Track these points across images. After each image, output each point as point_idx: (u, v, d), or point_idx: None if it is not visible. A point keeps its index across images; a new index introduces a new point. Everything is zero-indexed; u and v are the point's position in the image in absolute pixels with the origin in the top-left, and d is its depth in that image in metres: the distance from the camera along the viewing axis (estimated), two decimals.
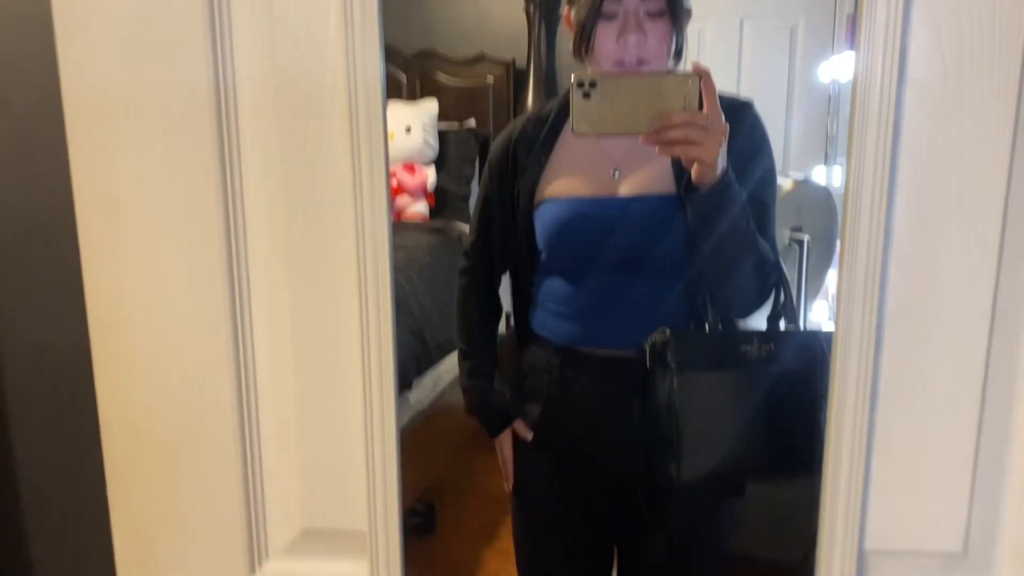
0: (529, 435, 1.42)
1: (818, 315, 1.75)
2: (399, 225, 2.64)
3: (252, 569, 0.72)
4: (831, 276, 1.72)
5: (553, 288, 1.34)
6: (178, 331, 0.67)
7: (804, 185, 1.76)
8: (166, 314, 0.67)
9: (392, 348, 0.64)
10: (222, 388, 0.67)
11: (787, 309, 1.32)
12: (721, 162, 1.05)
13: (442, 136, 2.78)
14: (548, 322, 1.34)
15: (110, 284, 0.67)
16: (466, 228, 2.64)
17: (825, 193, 1.75)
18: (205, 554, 0.71)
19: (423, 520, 2.65)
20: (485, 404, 1.49)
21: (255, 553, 0.72)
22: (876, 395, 0.64)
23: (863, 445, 0.64)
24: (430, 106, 2.80)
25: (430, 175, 2.74)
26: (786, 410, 1.26)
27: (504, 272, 1.43)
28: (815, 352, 1.25)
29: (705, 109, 0.95)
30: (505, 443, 1.47)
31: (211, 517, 0.70)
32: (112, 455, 0.71)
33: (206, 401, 0.68)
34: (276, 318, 0.67)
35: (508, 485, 1.49)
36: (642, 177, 1.24)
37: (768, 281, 1.29)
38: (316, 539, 0.71)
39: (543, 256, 1.30)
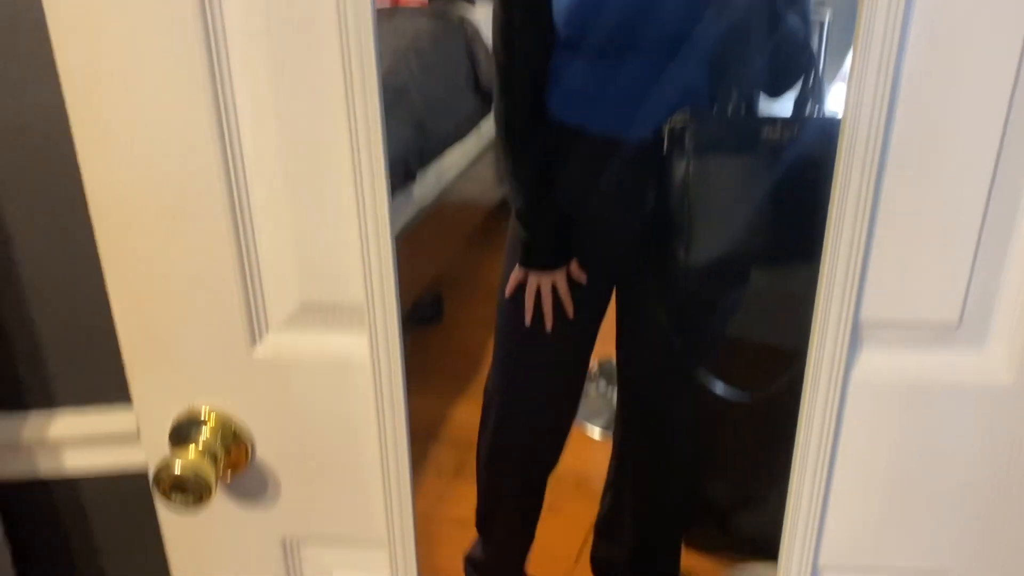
0: (584, 277, 1.39)
1: (837, 100, 1.69)
2: (396, 10, 2.51)
3: (253, 342, 0.73)
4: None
5: (569, 68, 1.28)
6: (157, 101, 0.64)
7: None
8: (143, 83, 0.64)
9: (379, 114, 0.61)
10: (208, 159, 0.65)
11: (815, 92, 1.27)
12: None
13: None
14: (563, 104, 1.30)
15: (83, 53, 0.63)
16: (467, 11, 2.52)
17: None
18: (206, 328, 0.72)
19: (430, 311, 2.72)
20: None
21: (255, 327, 0.72)
22: (885, 159, 0.62)
23: (867, 210, 0.63)
24: None
25: None
26: (800, 197, 1.24)
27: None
28: (835, 138, 1.22)
29: None
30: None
31: (208, 291, 0.71)
32: (104, 234, 0.70)
33: (193, 174, 0.66)
34: (258, 87, 0.64)
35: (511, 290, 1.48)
36: None
37: (796, 60, 1.24)
38: (315, 313, 0.72)
39: (561, 34, 1.24)
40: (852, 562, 0.77)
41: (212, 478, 0.71)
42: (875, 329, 0.68)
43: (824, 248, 0.65)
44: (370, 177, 0.65)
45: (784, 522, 0.76)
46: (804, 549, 0.76)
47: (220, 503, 0.79)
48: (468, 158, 2.54)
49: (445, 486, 2.11)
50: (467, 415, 2.36)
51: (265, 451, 0.77)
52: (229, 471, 0.78)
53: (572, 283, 1.42)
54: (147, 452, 0.78)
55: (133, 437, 0.90)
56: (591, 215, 1.36)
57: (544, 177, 1.34)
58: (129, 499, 0.93)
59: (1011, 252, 0.65)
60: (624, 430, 1.70)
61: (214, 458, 0.74)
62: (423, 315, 2.73)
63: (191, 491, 0.71)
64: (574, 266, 1.38)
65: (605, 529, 1.76)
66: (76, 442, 0.91)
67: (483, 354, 2.57)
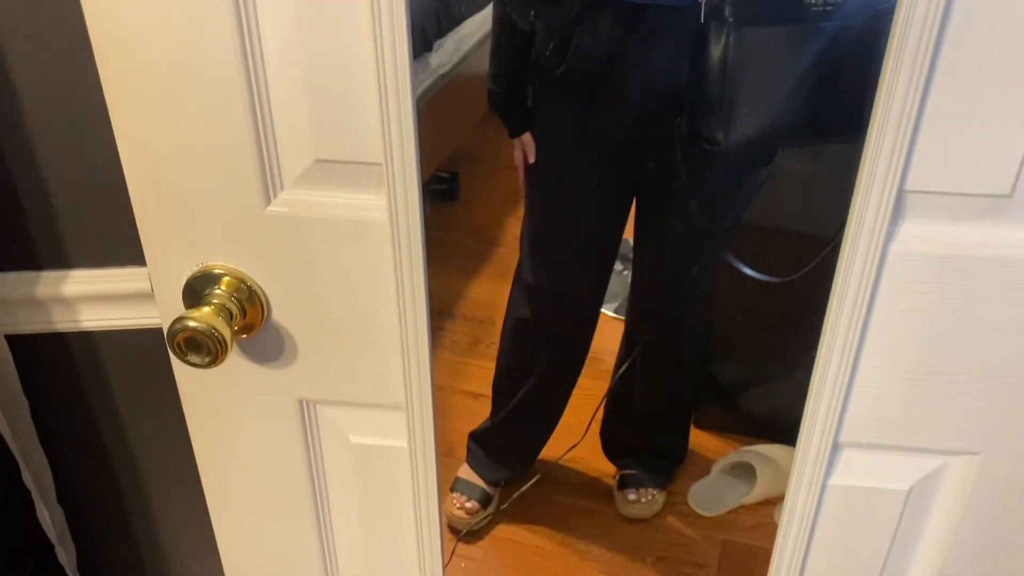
0: (532, 157, 1.38)
1: None
2: None
3: (267, 200, 0.70)
4: None
5: None
6: None
7: None
8: None
9: None
10: (217, 2, 0.61)
11: None
12: None
13: None
14: None
15: None
16: None
17: None
18: (219, 184, 0.70)
19: (447, 187, 2.68)
20: (507, 102, 1.41)
21: (269, 183, 0.70)
22: (947, 18, 0.57)
23: (923, 75, 0.58)
24: None
25: None
26: (843, 71, 1.18)
27: None
28: (879, 7, 1.15)
29: None
30: (528, 140, 1.41)
31: (221, 146, 0.67)
32: (111, 86, 0.66)
33: (202, 19, 0.62)
34: None
35: (520, 157, 1.44)
36: None
37: None
38: (331, 171, 0.69)
39: None
40: (875, 441, 0.76)
41: (227, 335, 0.70)
42: (920, 200, 0.64)
43: (873, 113, 0.61)
44: (390, 28, 0.61)
45: (808, 396, 0.75)
46: (826, 424, 0.75)
47: (236, 363, 0.78)
48: (488, 30, 2.44)
49: (459, 361, 2.13)
50: (482, 293, 2.36)
51: (280, 312, 0.76)
52: (244, 333, 0.77)
53: (600, 160, 1.38)
54: (161, 310, 0.76)
55: (148, 296, 0.90)
56: (619, 88, 1.30)
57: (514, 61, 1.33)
58: (146, 355, 0.93)
59: None
60: (637, 309, 1.68)
61: (229, 316, 0.72)
62: (439, 192, 2.69)
63: (206, 349, 0.70)
64: (527, 140, 1.38)
65: (615, 405, 1.77)
66: (91, 299, 0.90)
67: (499, 232, 2.55)
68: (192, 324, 0.69)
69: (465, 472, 1.75)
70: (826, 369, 0.72)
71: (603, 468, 1.83)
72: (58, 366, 0.94)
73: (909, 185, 0.63)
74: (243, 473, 0.86)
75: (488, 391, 1.74)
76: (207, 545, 1.08)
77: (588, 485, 1.80)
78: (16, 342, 0.91)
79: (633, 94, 1.30)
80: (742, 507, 1.79)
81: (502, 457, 1.74)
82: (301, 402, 0.81)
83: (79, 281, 0.89)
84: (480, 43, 2.40)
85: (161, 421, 0.97)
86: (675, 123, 1.30)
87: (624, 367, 1.69)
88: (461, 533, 1.69)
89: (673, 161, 1.34)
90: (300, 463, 0.84)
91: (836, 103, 1.19)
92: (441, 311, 2.25)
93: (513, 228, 2.49)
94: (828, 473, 0.78)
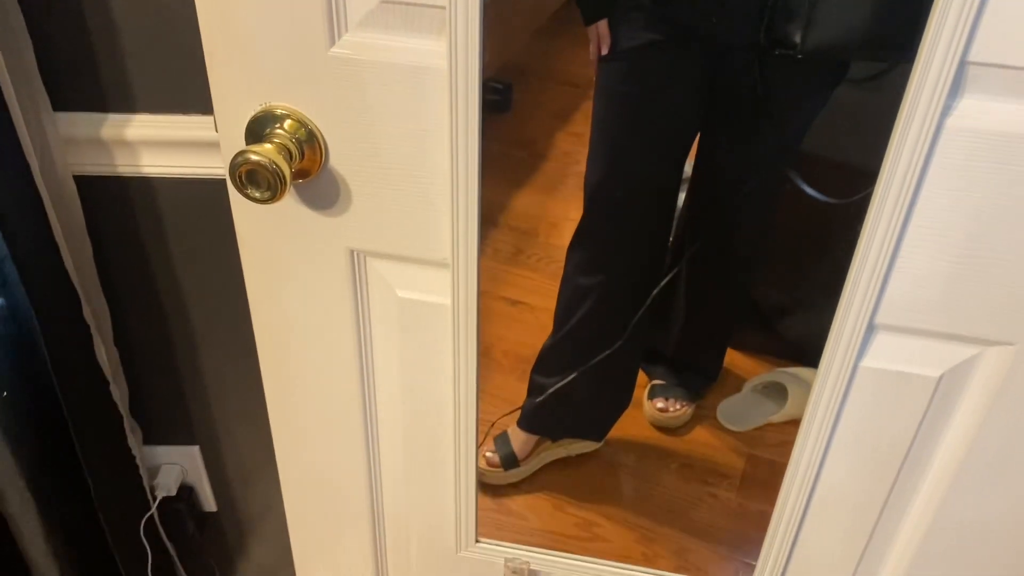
0: (606, 48, 1.35)
1: None
2: None
3: (331, 41, 0.72)
4: None
5: None
6: None
7: None
8: None
9: None
10: None
11: None
12: None
13: None
14: None
15: None
16: None
17: None
18: (286, 23, 0.71)
19: (499, 98, 2.67)
20: None
21: (334, 24, 0.71)
22: None
23: None
24: None
25: None
26: None
27: None
28: None
29: None
30: (604, 31, 1.39)
31: None
32: None
33: None
34: None
35: (595, 51, 1.43)
36: None
37: None
38: (395, 13, 0.70)
39: None
40: (911, 324, 0.77)
41: (287, 171, 0.72)
42: (982, 73, 0.64)
43: None
44: None
45: (848, 273, 0.75)
46: (864, 304, 0.76)
47: (292, 208, 0.81)
48: None
49: (500, 269, 2.15)
50: (528, 204, 2.37)
51: (338, 158, 0.78)
52: (301, 177, 0.79)
53: (672, 67, 1.37)
54: (223, 147, 0.79)
55: (208, 145, 0.92)
56: None
57: None
58: (203, 204, 0.96)
59: None
60: (693, 216, 1.68)
61: (288, 155, 0.75)
62: (491, 103, 2.68)
63: (266, 183, 0.72)
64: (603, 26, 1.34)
65: (655, 313, 1.79)
66: (153, 144, 0.93)
67: (548, 146, 2.55)
68: (254, 157, 0.71)
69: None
70: (869, 245, 0.73)
71: (642, 378, 1.85)
72: (120, 209, 0.97)
73: (973, 56, 0.63)
74: (292, 320, 0.89)
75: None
76: (251, 400, 1.13)
77: None
78: (82, 183, 0.95)
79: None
80: (769, 425, 1.81)
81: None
82: (352, 252, 0.84)
83: (142, 125, 0.92)
84: None
85: (212, 270, 1.01)
86: (753, 27, 1.29)
87: (670, 276, 1.70)
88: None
89: (748, 67, 1.33)
90: (348, 312, 0.87)
91: (911, 20, 1.17)
92: (485, 220, 2.25)
93: (563, 143, 2.49)
94: (860, 354, 0.80)
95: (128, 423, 1.07)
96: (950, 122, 0.66)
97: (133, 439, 1.08)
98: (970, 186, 0.69)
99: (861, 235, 0.73)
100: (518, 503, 1.62)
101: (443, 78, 0.71)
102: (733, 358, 1.94)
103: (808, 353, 1.93)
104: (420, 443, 0.97)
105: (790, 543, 0.94)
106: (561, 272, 2.02)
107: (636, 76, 1.43)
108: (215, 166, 0.94)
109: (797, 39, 1.20)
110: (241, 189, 0.73)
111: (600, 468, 1.69)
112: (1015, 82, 0.64)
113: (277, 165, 0.72)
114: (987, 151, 0.67)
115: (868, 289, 0.75)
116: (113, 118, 0.92)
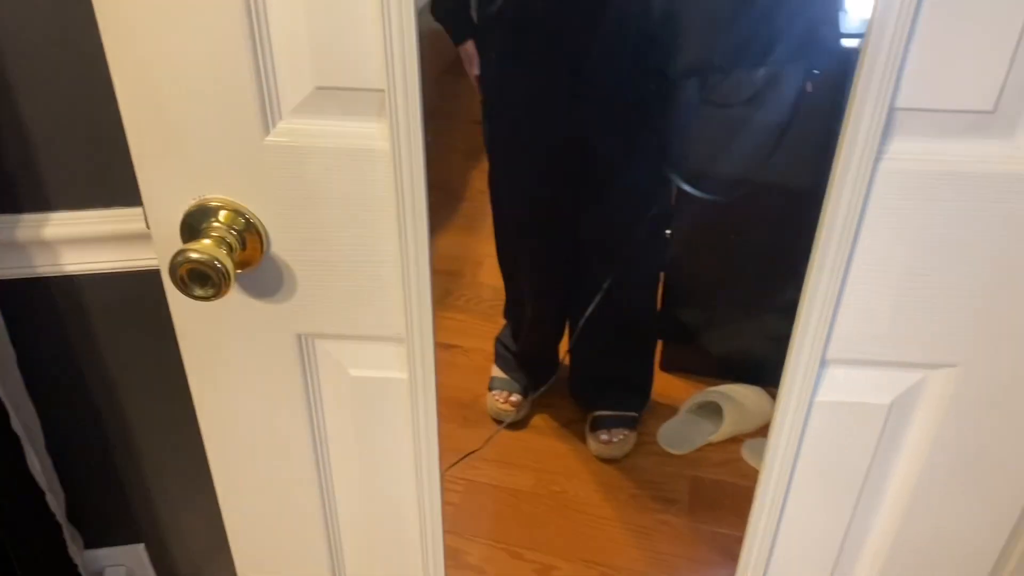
0: (476, 69, 1.42)
1: None
2: None
3: (266, 130, 0.70)
4: None
5: None
6: None
7: None
8: None
9: None
10: None
11: None
12: None
13: None
14: None
15: None
16: None
17: None
18: (217, 115, 0.69)
19: None
20: (448, 9, 1.46)
21: (268, 113, 0.69)
22: None
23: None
24: None
25: None
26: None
27: None
28: None
29: None
30: (471, 51, 1.46)
31: (220, 75, 0.67)
32: (104, 7, 0.65)
33: None
34: None
35: (469, 70, 1.49)
36: None
37: None
38: (331, 98, 0.69)
39: None
40: (860, 357, 0.79)
41: (230, 265, 0.70)
42: (909, 117, 0.67)
43: (867, 32, 0.63)
44: None
45: (797, 314, 0.77)
46: (815, 341, 0.78)
47: (234, 299, 0.78)
48: None
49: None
50: (449, 246, 2.36)
51: (279, 245, 0.76)
52: (242, 267, 0.76)
53: (542, 75, 1.42)
54: (157, 246, 0.76)
55: (134, 237, 0.89)
56: (557, 18, 1.34)
57: None
58: (131, 298, 0.92)
59: None
60: (586, 239, 1.72)
61: (229, 247, 0.72)
62: None
63: (210, 280, 0.69)
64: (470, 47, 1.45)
65: (579, 341, 1.82)
66: (73, 242, 0.89)
67: (463, 184, 2.55)
68: (194, 256, 0.69)
69: (498, 372, 1.85)
70: (816, 286, 0.75)
71: (576, 415, 1.86)
72: (42, 312, 0.92)
73: (900, 103, 0.66)
74: (240, 411, 0.86)
75: (462, 342, 1.77)
76: (194, 490, 1.08)
77: (562, 429, 1.84)
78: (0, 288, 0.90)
79: (583, 31, 1.33)
80: (709, 445, 1.84)
81: (526, 359, 1.82)
82: (300, 336, 0.81)
83: (61, 224, 0.88)
84: None
85: (146, 364, 0.97)
86: (624, 60, 1.34)
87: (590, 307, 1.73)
88: (504, 424, 1.81)
89: (612, 88, 1.39)
90: (298, 398, 0.85)
91: (770, 31, 1.27)
92: None
93: (478, 182, 2.49)
94: (815, 391, 0.81)
95: (67, 531, 1.01)
96: (883, 165, 0.68)
97: (74, 547, 1.02)
98: (905, 222, 0.71)
99: (807, 277, 0.75)
100: (474, 556, 1.60)
101: (384, 158, 0.70)
102: (666, 381, 1.97)
103: (735, 369, 1.97)
104: (382, 515, 0.94)
105: None
106: (491, 311, 2.03)
107: (506, 88, 1.48)
108: (142, 258, 0.90)
109: (662, 60, 1.27)
110: (184, 289, 0.70)
111: (551, 509, 1.68)
112: (939, 123, 0.67)
113: (220, 261, 0.69)
114: (919, 188, 0.69)
115: (819, 326, 0.77)
116: (28, 218, 0.87)
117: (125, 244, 0.89)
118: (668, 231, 1.90)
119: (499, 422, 1.82)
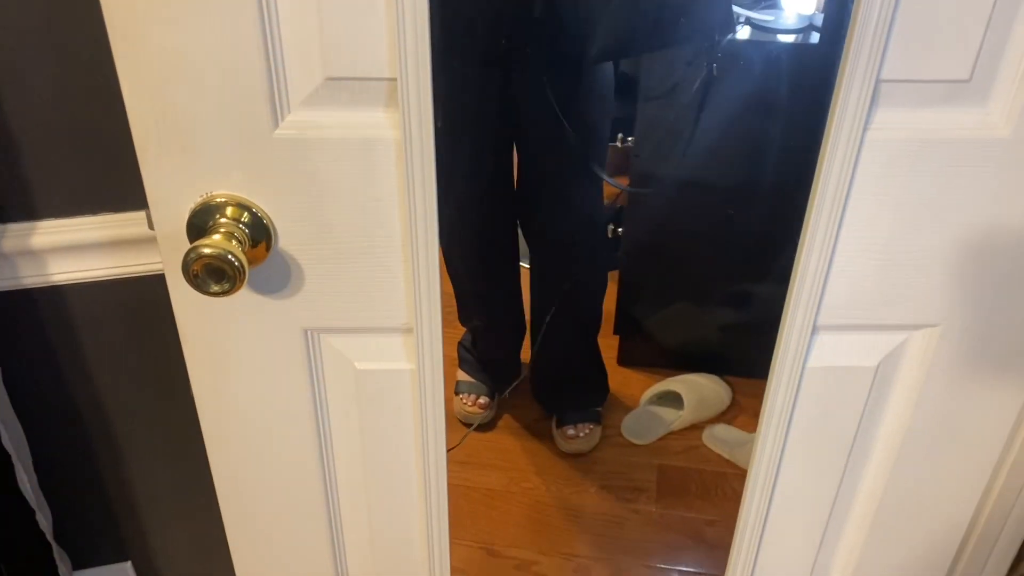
0: None
1: None
2: None
3: (275, 123, 0.70)
4: None
5: None
6: None
7: None
8: None
9: None
10: None
11: None
12: None
13: None
14: None
15: None
16: None
17: None
18: (225, 109, 0.69)
19: None
20: None
21: (277, 105, 0.69)
22: None
23: None
24: None
25: None
26: None
27: None
28: None
29: None
30: None
31: (229, 68, 0.67)
32: (112, 8, 0.65)
33: None
34: None
35: None
36: None
37: None
38: (341, 89, 0.69)
39: None
40: (849, 321, 0.83)
41: (244, 259, 0.70)
42: (893, 89, 0.71)
43: (854, 9, 0.67)
44: None
45: (790, 285, 0.81)
46: (808, 310, 0.82)
47: (240, 296, 0.78)
48: None
49: None
50: None
51: (287, 239, 0.76)
52: (249, 263, 0.76)
53: (473, 76, 1.45)
54: (162, 245, 0.75)
55: (126, 243, 0.87)
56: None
57: None
58: (120, 307, 0.91)
59: (1020, 13, 0.68)
60: (526, 233, 1.74)
61: (240, 243, 0.72)
62: None
63: (226, 274, 0.69)
64: None
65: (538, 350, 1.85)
66: (61, 250, 0.87)
67: None
68: (208, 251, 0.69)
69: (463, 376, 1.85)
70: (809, 255, 0.78)
71: (541, 411, 1.88)
72: (28, 324, 0.90)
73: (885, 75, 0.70)
74: (244, 411, 0.86)
75: None
76: (182, 507, 1.06)
77: (530, 428, 1.85)
78: None
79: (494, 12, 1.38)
80: (672, 434, 1.88)
81: (488, 363, 1.84)
82: (306, 332, 0.81)
83: (48, 232, 0.86)
84: None
85: (135, 375, 0.95)
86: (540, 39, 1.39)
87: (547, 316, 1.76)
88: (473, 426, 1.82)
89: (540, 80, 1.43)
90: (304, 395, 0.85)
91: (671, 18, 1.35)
92: None
93: None
94: (807, 357, 0.85)
95: (57, 552, 0.98)
96: (870, 135, 0.73)
97: (63, 568, 0.99)
98: (889, 189, 0.76)
99: (800, 246, 0.79)
100: (454, 558, 1.59)
101: (393, 146, 0.71)
102: (625, 376, 2.01)
103: (688, 358, 2.02)
104: (387, 513, 0.94)
105: (755, 548, 0.99)
106: (452, 316, 2.03)
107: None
108: (133, 264, 0.89)
109: (576, 47, 1.32)
110: (199, 286, 0.70)
111: (524, 506, 1.70)
112: (920, 93, 0.72)
113: (234, 255, 0.69)
114: (902, 155, 0.74)
115: (811, 295, 0.81)
116: (13, 228, 0.85)
117: (114, 250, 0.87)
118: (619, 229, 1.95)
119: (468, 425, 1.82)
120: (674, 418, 1.89)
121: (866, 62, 0.69)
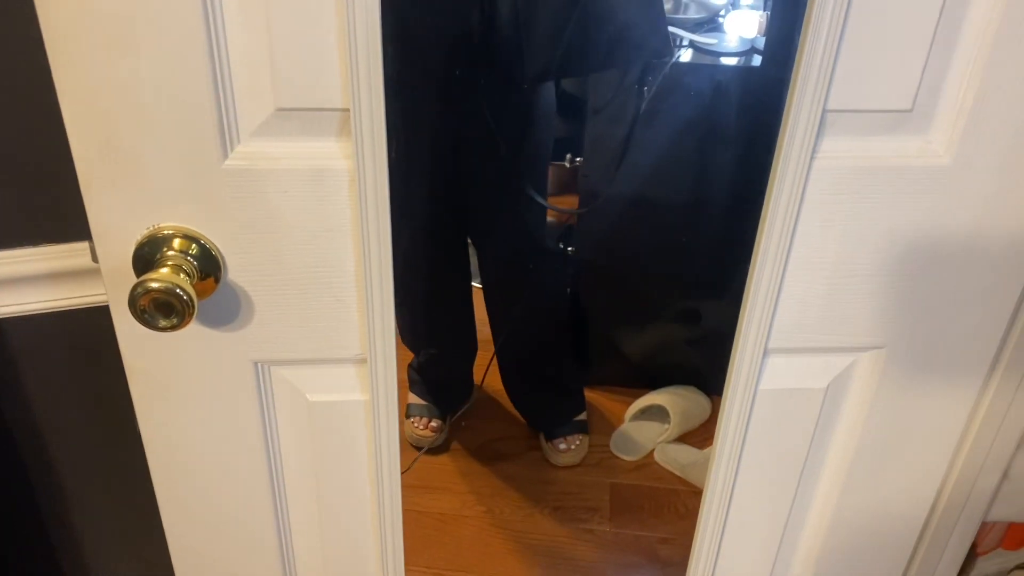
0: None
1: None
2: None
3: (224, 154, 0.69)
4: None
5: None
6: None
7: None
8: None
9: None
10: None
11: None
12: None
13: None
14: None
15: None
16: None
17: None
18: (173, 140, 0.67)
19: None
20: None
21: (226, 136, 0.68)
22: None
23: (842, 11, 0.66)
24: None
25: None
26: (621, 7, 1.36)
27: None
28: None
29: None
30: None
31: (176, 99, 0.66)
32: (52, 32, 0.63)
33: None
34: None
35: None
36: None
37: None
38: (292, 119, 0.69)
39: None
40: (799, 344, 0.85)
41: (193, 292, 0.68)
42: (838, 118, 0.72)
43: (801, 42, 0.68)
44: None
45: (741, 309, 0.82)
46: (759, 334, 0.83)
47: (188, 329, 0.76)
48: None
49: None
50: None
51: (237, 271, 0.74)
52: (198, 295, 0.74)
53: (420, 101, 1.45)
54: (107, 279, 0.73)
55: (64, 275, 0.85)
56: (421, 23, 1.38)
57: None
58: (62, 338, 0.88)
59: (958, 47, 0.70)
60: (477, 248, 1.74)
61: (188, 276, 0.71)
62: None
63: (173, 309, 0.68)
64: None
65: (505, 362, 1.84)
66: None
67: None
68: (155, 285, 0.67)
69: (414, 399, 1.84)
70: (759, 280, 0.79)
71: (493, 433, 1.88)
72: None
73: (831, 105, 0.71)
74: (192, 446, 0.83)
75: None
76: (129, 542, 1.03)
77: (482, 449, 1.85)
78: None
79: (436, 31, 1.38)
80: None
81: (440, 385, 1.83)
82: (257, 364, 0.80)
83: None
84: None
85: (78, 412, 0.92)
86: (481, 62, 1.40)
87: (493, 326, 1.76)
88: (424, 450, 1.81)
89: (479, 101, 1.44)
90: (255, 429, 0.83)
91: (617, 38, 1.37)
92: None
93: None
94: (759, 380, 0.86)
95: None
96: (817, 163, 0.74)
97: None
98: (835, 215, 0.77)
99: (750, 272, 0.80)
100: None
101: (345, 177, 0.71)
102: (601, 398, 2.01)
103: (662, 374, 2.03)
104: (341, 544, 0.93)
105: (711, 568, 0.99)
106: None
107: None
108: (76, 296, 0.86)
109: (515, 69, 1.34)
110: (147, 322, 0.68)
111: (478, 530, 1.69)
112: (865, 123, 0.73)
113: (183, 289, 0.68)
114: (846, 183, 0.75)
115: (762, 319, 0.82)
116: None
117: (56, 282, 0.85)
118: (569, 248, 1.96)
119: (418, 448, 1.81)
120: (662, 430, 1.91)
121: (812, 93, 0.70)
